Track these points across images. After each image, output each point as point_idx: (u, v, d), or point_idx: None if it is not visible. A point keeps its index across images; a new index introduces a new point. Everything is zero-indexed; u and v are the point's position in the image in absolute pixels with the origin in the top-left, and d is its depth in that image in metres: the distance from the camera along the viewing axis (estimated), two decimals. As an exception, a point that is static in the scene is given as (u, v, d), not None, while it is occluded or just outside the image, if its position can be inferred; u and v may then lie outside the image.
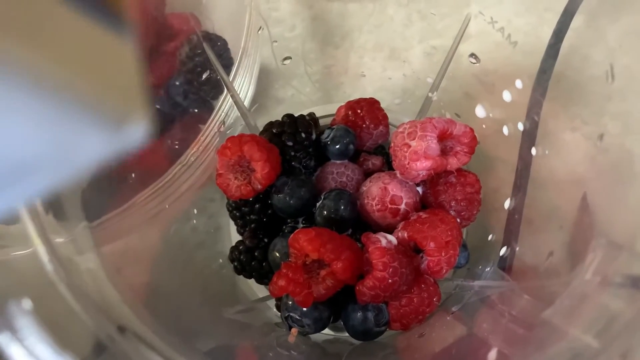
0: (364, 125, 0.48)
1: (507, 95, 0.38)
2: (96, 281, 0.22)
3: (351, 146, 0.47)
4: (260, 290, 0.48)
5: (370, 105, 0.48)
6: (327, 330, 0.43)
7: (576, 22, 0.38)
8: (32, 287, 0.19)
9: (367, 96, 0.50)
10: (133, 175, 0.37)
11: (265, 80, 0.52)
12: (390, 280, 0.37)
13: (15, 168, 0.11)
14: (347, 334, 0.42)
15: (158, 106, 0.47)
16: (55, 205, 0.24)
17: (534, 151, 0.38)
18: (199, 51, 0.46)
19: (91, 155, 0.12)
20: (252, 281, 0.47)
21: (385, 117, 0.48)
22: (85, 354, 0.17)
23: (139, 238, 0.35)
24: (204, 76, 0.43)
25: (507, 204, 0.41)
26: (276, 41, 0.47)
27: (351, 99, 0.50)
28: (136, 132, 0.13)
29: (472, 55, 0.40)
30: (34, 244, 0.21)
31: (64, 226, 0.24)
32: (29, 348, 0.15)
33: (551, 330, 0.25)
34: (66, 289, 0.20)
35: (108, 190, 0.33)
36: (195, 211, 0.45)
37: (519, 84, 0.37)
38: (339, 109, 0.49)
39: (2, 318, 0.16)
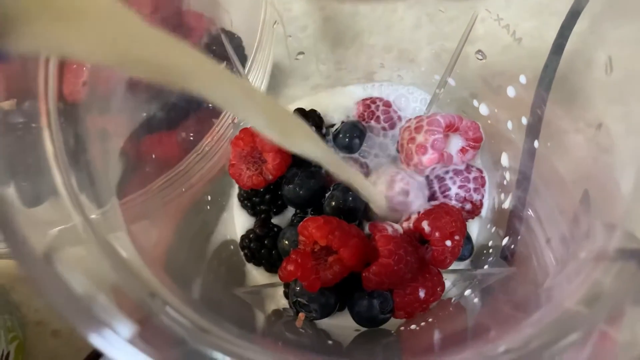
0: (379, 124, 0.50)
1: (511, 91, 0.40)
2: (127, 253, 0.24)
3: (357, 140, 0.49)
4: (269, 281, 0.49)
5: (387, 106, 0.50)
6: (332, 320, 0.45)
7: (580, 26, 0.39)
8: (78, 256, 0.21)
9: (376, 94, 0.52)
10: (153, 156, 0.39)
11: (277, 77, 0.53)
12: (395, 267, 0.38)
13: None
14: (351, 323, 0.44)
15: (173, 100, 0.48)
16: (88, 185, 0.25)
17: (536, 144, 0.39)
18: (214, 48, 0.47)
19: None
20: (261, 272, 0.48)
21: (399, 119, 0.50)
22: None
23: (157, 221, 0.37)
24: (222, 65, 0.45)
25: (510, 197, 0.42)
26: (290, 35, 0.49)
27: (361, 97, 0.52)
28: None
29: (479, 51, 0.42)
30: (74, 220, 0.23)
31: (96, 204, 0.25)
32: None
33: (548, 302, 0.26)
34: (105, 259, 0.22)
35: (130, 174, 0.35)
36: (209, 198, 0.46)
37: (523, 79, 0.39)
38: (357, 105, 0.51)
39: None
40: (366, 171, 0.48)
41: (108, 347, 0.17)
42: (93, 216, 0.24)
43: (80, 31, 0.19)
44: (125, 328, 0.17)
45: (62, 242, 0.20)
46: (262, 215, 0.48)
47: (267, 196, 0.48)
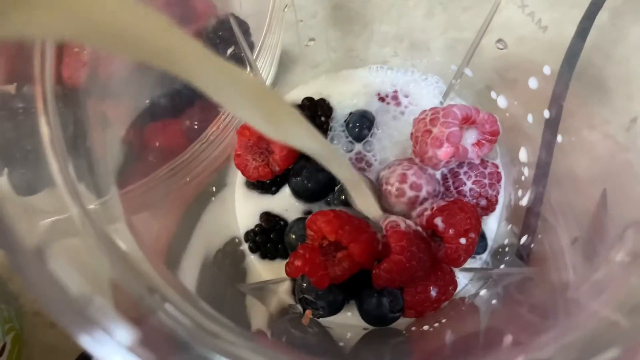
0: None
1: (533, 83, 0.38)
2: (126, 245, 0.23)
3: (366, 131, 0.47)
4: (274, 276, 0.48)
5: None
6: (340, 318, 0.43)
7: (600, 20, 0.38)
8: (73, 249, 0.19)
9: (389, 84, 0.50)
10: (157, 144, 0.37)
11: (285, 65, 0.52)
12: (407, 265, 0.37)
13: None
14: (359, 321, 0.42)
15: (177, 87, 0.47)
16: (87, 173, 0.24)
17: (559, 138, 0.37)
18: (220, 33, 0.46)
19: None
20: (266, 267, 0.46)
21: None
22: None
23: (159, 212, 0.35)
24: (229, 52, 0.43)
25: (528, 194, 0.41)
26: (302, 20, 0.47)
27: (371, 87, 0.50)
28: None
29: (500, 40, 0.40)
30: (70, 210, 0.21)
31: (95, 194, 0.24)
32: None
33: (577, 311, 0.24)
34: (103, 253, 0.20)
35: (132, 163, 0.33)
36: (213, 189, 0.45)
37: (547, 70, 0.37)
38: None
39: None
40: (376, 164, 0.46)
41: (105, 354, 0.15)
42: (91, 206, 0.23)
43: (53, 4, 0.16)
44: (125, 333, 0.16)
45: (56, 234, 0.18)
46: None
47: (274, 188, 0.47)
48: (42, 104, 0.22)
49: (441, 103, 0.49)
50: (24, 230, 0.16)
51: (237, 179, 0.49)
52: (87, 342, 0.15)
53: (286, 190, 0.47)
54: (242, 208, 0.49)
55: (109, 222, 0.23)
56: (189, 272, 0.31)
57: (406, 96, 0.49)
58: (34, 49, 0.23)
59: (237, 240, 0.46)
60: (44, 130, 0.21)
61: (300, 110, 0.46)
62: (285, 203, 0.47)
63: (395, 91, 0.49)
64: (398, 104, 0.49)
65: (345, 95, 0.50)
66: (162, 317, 0.20)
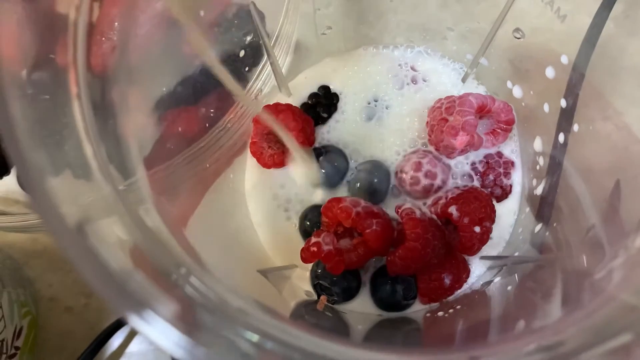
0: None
1: (550, 72, 0.38)
2: (154, 224, 0.23)
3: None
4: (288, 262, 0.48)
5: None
6: (354, 304, 0.43)
7: (615, 11, 0.38)
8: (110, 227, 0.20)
9: (403, 61, 0.50)
10: (179, 129, 0.38)
11: (298, 56, 0.52)
12: (422, 252, 0.37)
13: None
14: (373, 308, 0.43)
15: (189, 74, 0.47)
16: (115, 156, 0.24)
17: (576, 127, 0.37)
18: (236, 22, 0.46)
19: None
20: (280, 252, 0.47)
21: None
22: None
23: (180, 196, 0.36)
24: (247, 40, 0.43)
25: (543, 183, 0.41)
26: (319, 9, 0.47)
27: (385, 76, 0.50)
28: None
29: (517, 29, 0.40)
30: (105, 190, 0.21)
31: (123, 175, 0.24)
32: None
33: (593, 297, 0.25)
34: (134, 230, 0.21)
35: (153, 147, 0.34)
36: (231, 176, 0.45)
37: (564, 59, 0.37)
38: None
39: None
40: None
41: (147, 327, 0.16)
42: (120, 187, 0.23)
43: None
44: (165, 307, 0.16)
45: (94, 214, 0.19)
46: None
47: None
48: (75, 90, 0.22)
49: (464, 79, 0.48)
50: (65, 209, 0.17)
51: (248, 165, 0.49)
52: (131, 317, 0.16)
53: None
54: (253, 194, 0.49)
55: (139, 203, 0.24)
56: (209, 253, 0.32)
57: (424, 80, 0.48)
58: (67, 36, 0.23)
59: (250, 225, 0.47)
60: (78, 115, 0.22)
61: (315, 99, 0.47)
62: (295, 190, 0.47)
63: (412, 74, 0.49)
64: (415, 83, 0.48)
65: (360, 77, 0.50)
66: (190, 291, 0.20)
